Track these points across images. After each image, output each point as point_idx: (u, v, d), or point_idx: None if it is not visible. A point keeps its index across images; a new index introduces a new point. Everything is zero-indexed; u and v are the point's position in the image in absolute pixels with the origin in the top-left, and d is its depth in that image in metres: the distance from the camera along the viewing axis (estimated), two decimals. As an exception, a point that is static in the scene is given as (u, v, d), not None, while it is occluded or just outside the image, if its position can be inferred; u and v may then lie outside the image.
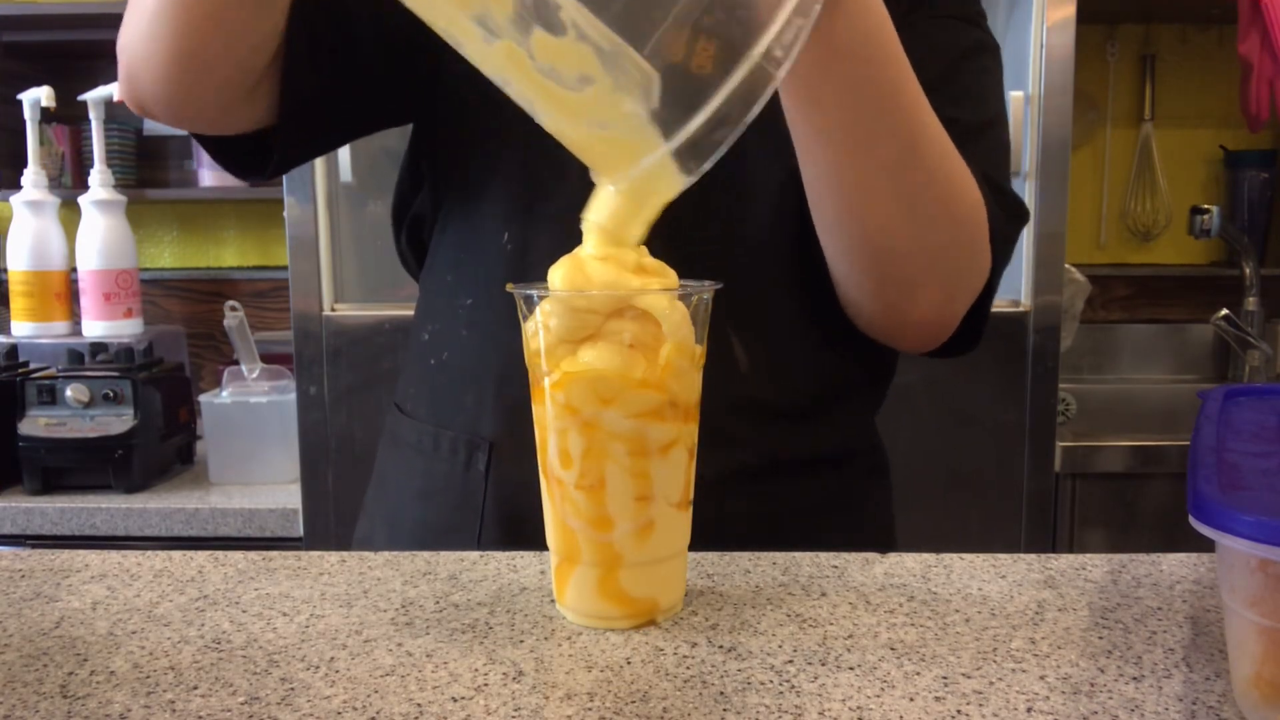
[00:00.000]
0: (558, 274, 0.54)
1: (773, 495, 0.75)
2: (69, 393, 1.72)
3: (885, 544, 0.80)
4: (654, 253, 0.54)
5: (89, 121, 1.93)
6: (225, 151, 0.75)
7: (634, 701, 0.46)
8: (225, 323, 1.79)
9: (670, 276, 0.54)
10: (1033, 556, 0.65)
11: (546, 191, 0.74)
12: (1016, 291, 1.60)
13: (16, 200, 1.94)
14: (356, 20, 0.73)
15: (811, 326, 0.76)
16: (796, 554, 0.65)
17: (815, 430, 0.78)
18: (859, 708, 0.45)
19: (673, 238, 0.69)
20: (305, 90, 0.71)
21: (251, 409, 1.77)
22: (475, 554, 0.66)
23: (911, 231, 0.66)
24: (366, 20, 0.73)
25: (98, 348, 1.80)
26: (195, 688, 0.48)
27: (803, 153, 0.65)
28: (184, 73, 0.66)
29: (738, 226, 0.74)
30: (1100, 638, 0.53)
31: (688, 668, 0.49)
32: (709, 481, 0.69)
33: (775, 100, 0.53)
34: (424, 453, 0.78)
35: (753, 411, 0.74)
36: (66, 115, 2.08)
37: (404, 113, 0.83)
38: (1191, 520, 0.43)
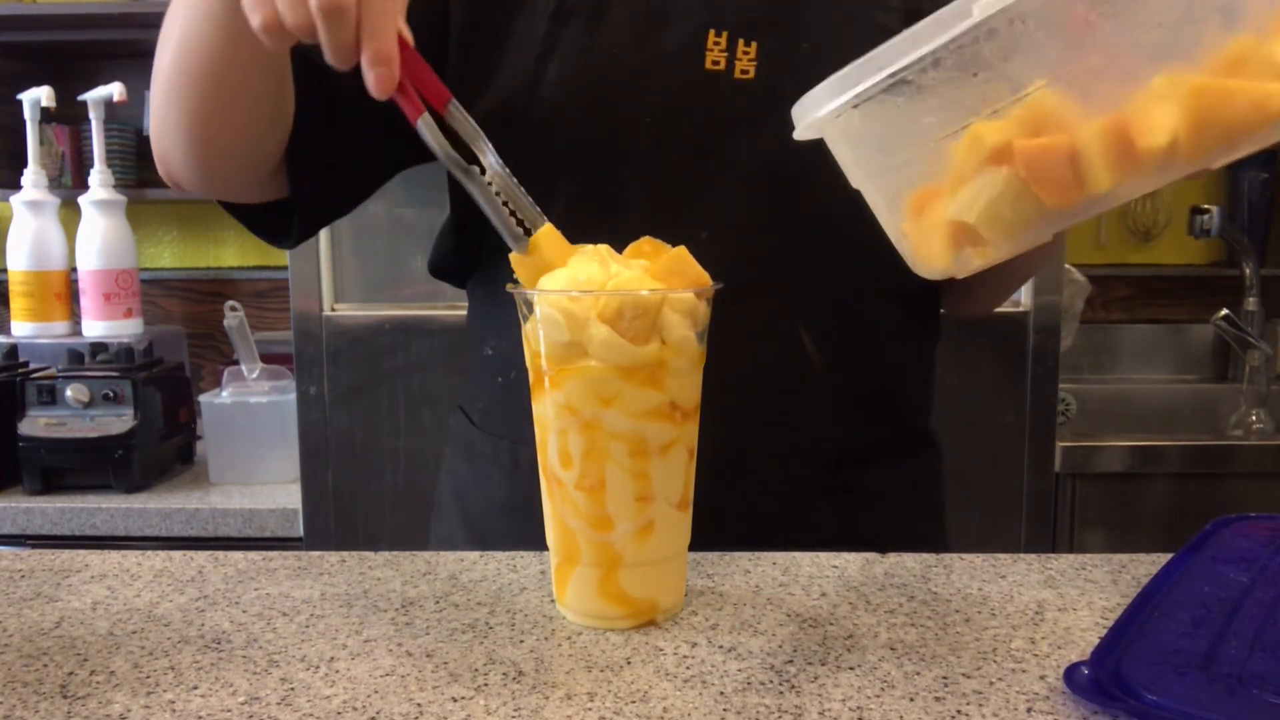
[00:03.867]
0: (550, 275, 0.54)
1: (854, 488, 0.76)
2: (69, 393, 1.72)
3: (941, 530, 0.84)
4: (709, 251, 0.54)
5: (89, 121, 1.93)
6: (253, 222, 0.78)
7: (634, 701, 0.46)
8: (225, 323, 1.79)
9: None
10: (1033, 556, 0.65)
11: (614, 204, 0.73)
12: (1016, 291, 1.60)
13: (16, 200, 1.94)
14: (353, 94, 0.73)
15: (880, 314, 0.77)
16: (796, 554, 0.65)
17: (905, 412, 0.81)
18: (859, 708, 0.45)
19: (726, 234, 0.72)
20: (311, 172, 0.74)
21: (251, 409, 1.77)
22: (475, 554, 0.66)
23: None
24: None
25: (98, 348, 1.80)
26: (195, 688, 0.48)
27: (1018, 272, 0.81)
28: (204, 159, 0.70)
29: (803, 220, 0.73)
30: (1100, 638, 0.53)
31: (688, 668, 0.49)
32: (792, 481, 0.74)
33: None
34: (504, 467, 0.78)
35: (843, 406, 0.76)
36: (66, 115, 2.08)
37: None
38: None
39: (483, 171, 0.56)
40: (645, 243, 0.56)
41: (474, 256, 0.81)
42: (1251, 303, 2.03)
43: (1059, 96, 0.43)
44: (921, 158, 0.46)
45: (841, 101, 0.45)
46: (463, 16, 0.73)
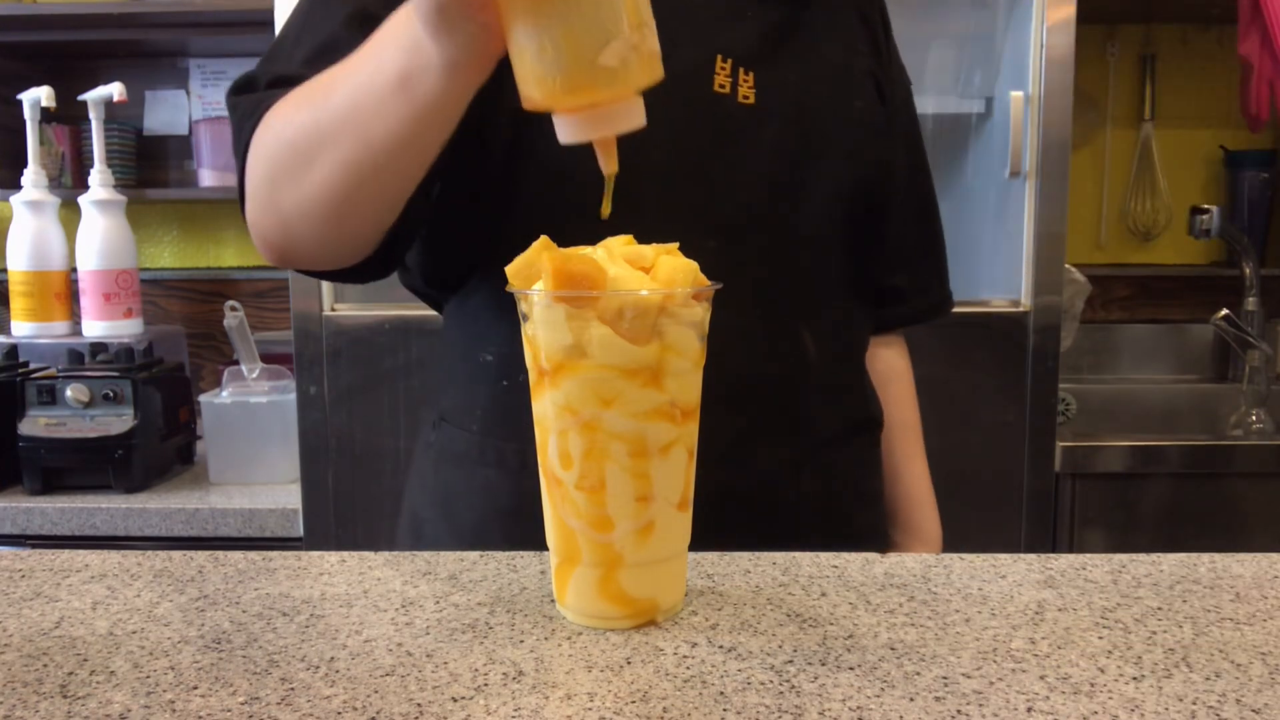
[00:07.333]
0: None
1: (833, 464, 0.83)
2: (69, 393, 1.72)
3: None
4: (717, 258, 0.55)
5: (89, 121, 1.93)
6: (339, 274, 0.79)
7: (634, 701, 0.46)
8: (225, 323, 1.79)
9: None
10: (1033, 556, 0.65)
11: (635, 209, 0.73)
12: (1016, 291, 1.60)
13: (16, 200, 1.94)
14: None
15: (851, 310, 0.86)
16: (796, 554, 0.65)
17: (864, 395, 0.89)
18: (859, 708, 0.45)
19: (732, 241, 0.76)
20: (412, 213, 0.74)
21: (251, 409, 1.77)
22: (475, 554, 0.66)
23: None
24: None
25: (98, 348, 1.80)
26: (195, 688, 0.48)
27: None
28: (339, 243, 0.72)
29: (796, 227, 0.79)
30: (1100, 638, 0.53)
31: (688, 668, 0.49)
32: (786, 464, 0.80)
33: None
34: (511, 471, 0.78)
35: (825, 392, 0.83)
36: (66, 115, 2.08)
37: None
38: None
39: None
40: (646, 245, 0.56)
41: (471, 266, 0.82)
42: (1251, 303, 2.03)
43: None
44: None
45: None
46: None
